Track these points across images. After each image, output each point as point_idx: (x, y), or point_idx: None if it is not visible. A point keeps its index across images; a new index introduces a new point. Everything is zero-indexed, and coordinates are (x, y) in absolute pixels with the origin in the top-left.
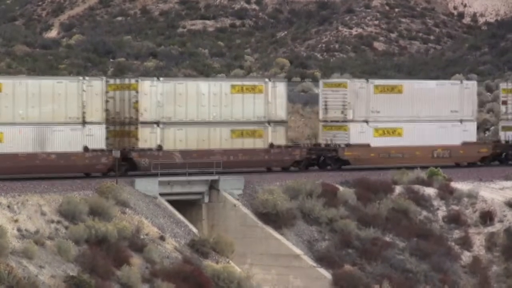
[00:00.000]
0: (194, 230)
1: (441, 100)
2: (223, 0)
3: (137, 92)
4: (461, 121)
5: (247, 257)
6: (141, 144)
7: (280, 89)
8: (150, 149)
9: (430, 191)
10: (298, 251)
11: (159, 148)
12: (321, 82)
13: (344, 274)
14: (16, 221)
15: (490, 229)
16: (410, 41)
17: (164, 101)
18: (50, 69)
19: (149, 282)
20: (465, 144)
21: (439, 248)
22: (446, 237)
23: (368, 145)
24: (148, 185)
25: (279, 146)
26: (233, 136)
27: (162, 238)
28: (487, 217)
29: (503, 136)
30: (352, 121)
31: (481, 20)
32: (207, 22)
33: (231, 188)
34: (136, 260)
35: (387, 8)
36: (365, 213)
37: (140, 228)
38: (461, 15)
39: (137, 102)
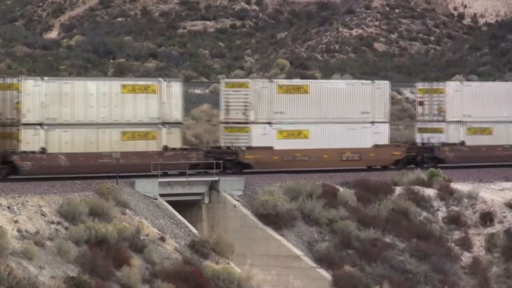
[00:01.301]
0: (194, 231)
1: (351, 101)
2: (223, 1)
3: (19, 92)
4: (372, 122)
5: (247, 257)
6: (23, 147)
7: (175, 89)
8: (33, 152)
9: (430, 192)
10: (298, 252)
11: (43, 151)
12: (222, 82)
13: (344, 275)
14: (16, 222)
15: (490, 230)
16: (410, 42)
17: (49, 101)
18: (50, 70)
19: (149, 283)
20: (376, 146)
21: (439, 249)
22: (446, 238)
23: (271, 148)
24: (148, 186)
25: (174, 149)
26: (124, 138)
27: (162, 239)
28: (487, 218)
29: (419, 138)
30: (254, 122)
31: (481, 21)
32: (208, 23)
33: (231, 189)
34: (136, 261)
35: (387, 9)
36: (365, 214)
37: (140, 229)
38: (461, 16)
39: (19, 102)
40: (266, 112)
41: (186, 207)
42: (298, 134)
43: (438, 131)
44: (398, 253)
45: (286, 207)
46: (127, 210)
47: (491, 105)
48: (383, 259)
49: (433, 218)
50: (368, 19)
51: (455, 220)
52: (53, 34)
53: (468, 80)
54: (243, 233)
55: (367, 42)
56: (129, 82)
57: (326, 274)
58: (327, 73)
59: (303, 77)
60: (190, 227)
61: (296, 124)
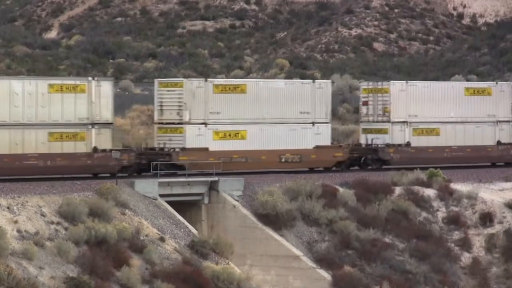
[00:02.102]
0: (194, 231)
1: (291, 101)
2: (222, 1)
3: None
4: (313, 123)
5: (246, 258)
6: None
7: (105, 88)
8: None
9: (429, 192)
10: (297, 252)
11: None
12: (156, 82)
13: (344, 275)
14: (16, 222)
15: (490, 230)
16: (410, 42)
17: None
18: (49, 70)
19: (148, 283)
20: (317, 148)
21: (439, 249)
22: (446, 238)
23: (206, 149)
24: (147, 186)
25: (104, 150)
26: (51, 139)
27: (161, 239)
28: (486, 218)
29: (364, 139)
30: (188, 123)
31: (481, 21)
32: (207, 22)
33: (230, 189)
34: (136, 261)
35: (386, 8)
36: (364, 214)
37: (140, 229)
38: (460, 16)
39: None
40: (202, 112)
41: (186, 207)
42: (235, 135)
43: (383, 132)
44: (397, 253)
45: (285, 207)
46: (127, 210)
47: (438, 105)
48: (383, 259)
49: (433, 219)
50: (368, 19)
51: (454, 221)
52: (52, 34)
53: (467, 80)
54: (243, 233)
55: (367, 42)
56: (57, 81)
57: (325, 275)
58: (327, 73)
59: (302, 76)
60: (190, 227)
61: (233, 124)
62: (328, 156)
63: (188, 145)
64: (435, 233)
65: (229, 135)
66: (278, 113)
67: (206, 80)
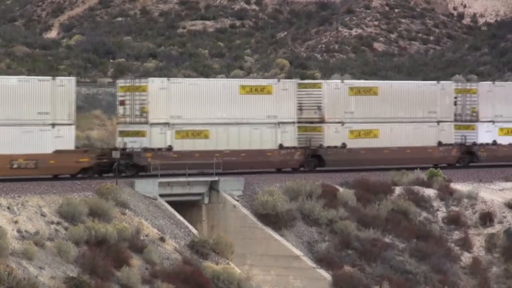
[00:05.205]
0: (194, 231)
1: (25, 100)
2: (223, 1)
3: None
4: (53, 125)
5: (247, 258)
6: None
7: None
8: None
9: (430, 192)
10: (298, 252)
11: None
12: None
13: (344, 275)
14: (16, 222)
15: (490, 230)
16: (410, 42)
17: None
18: (50, 70)
19: (149, 283)
20: (58, 152)
21: (439, 249)
22: (446, 238)
23: None
24: (148, 186)
25: None
26: None
27: (162, 239)
28: (486, 218)
29: (121, 142)
30: None
31: (481, 21)
32: (207, 22)
33: (231, 189)
34: (136, 261)
35: (387, 8)
36: (364, 214)
37: (140, 229)
38: (461, 16)
39: None
40: None
41: (186, 207)
42: None
43: (141, 134)
44: (397, 253)
45: (285, 207)
46: (127, 210)
47: (207, 105)
48: (383, 259)
49: (433, 218)
50: (368, 19)
51: (455, 220)
52: (52, 34)
53: (468, 80)
54: (243, 233)
55: (367, 42)
56: None
57: (326, 275)
58: (327, 73)
59: (303, 77)
60: (190, 227)
61: None
62: (70, 162)
63: None
64: (435, 233)
65: None
66: (9, 113)
67: None
